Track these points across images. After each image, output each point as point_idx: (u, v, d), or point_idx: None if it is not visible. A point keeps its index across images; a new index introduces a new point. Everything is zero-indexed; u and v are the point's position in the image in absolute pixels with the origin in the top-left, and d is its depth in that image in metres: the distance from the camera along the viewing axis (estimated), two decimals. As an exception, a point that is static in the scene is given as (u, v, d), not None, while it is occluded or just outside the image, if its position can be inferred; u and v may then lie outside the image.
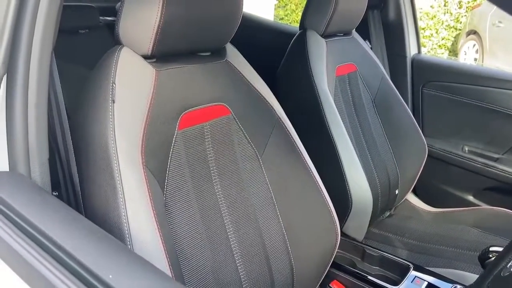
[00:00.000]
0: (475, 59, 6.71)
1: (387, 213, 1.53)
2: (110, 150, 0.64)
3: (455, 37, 7.50)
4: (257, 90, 0.93)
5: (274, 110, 0.94)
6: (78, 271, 0.39)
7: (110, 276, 0.37)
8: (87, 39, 1.73)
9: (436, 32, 7.53)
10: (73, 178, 0.61)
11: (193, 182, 0.82)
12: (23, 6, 0.48)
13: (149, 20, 0.71)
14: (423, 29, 7.26)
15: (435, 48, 7.51)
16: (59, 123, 0.62)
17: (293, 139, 0.94)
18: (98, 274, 0.38)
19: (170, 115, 0.78)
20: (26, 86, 0.53)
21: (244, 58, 0.96)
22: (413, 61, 1.67)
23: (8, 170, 0.52)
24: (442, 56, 7.22)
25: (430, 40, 7.55)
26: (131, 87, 0.71)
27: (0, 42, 0.48)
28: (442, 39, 7.64)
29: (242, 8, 0.85)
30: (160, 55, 0.78)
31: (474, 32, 6.78)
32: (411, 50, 1.70)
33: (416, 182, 1.54)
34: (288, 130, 0.94)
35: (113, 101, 0.67)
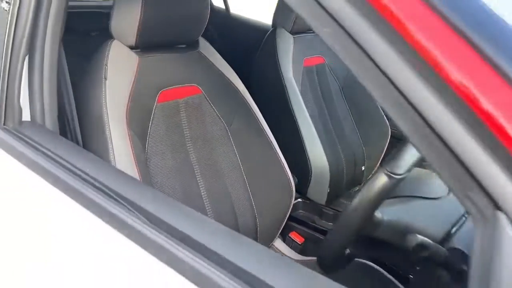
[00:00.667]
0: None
1: (357, 187, 1.75)
2: (103, 113, 0.89)
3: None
4: (225, 75, 1.17)
5: (240, 92, 1.18)
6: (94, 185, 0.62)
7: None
8: (98, 40, 2.00)
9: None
10: (76, 130, 0.86)
11: (170, 145, 1.06)
12: (39, 7, 0.73)
13: (133, 18, 0.95)
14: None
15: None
16: (66, 92, 0.87)
17: (256, 116, 1.17)
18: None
19: (150, 91, 1.03)
20: (41, 64, 0.77)
21: (214, 50, 1.20)
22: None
23: (30, 120, 0.77)
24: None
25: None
26: (119, 69, 0.95)
27: (24, 33, 0.73)
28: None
29: (208, 10, 1.09)
30: (143, 46, 1.02)
31: None
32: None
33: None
34: (251, 108, 1.17)
35: (105, 78, 0.92)
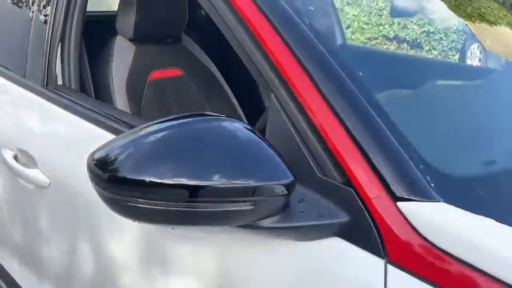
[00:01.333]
0: (479, 59, 6.96)
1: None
2: (109, 82, 1.32)
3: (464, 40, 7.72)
4: (204, 63, 1.59)
5: (215, 76, 1.59)
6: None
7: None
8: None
9: (446, 35, 7.80)
10: (91, 91, 1.28)
11: (160, 108, 1.48)
12: (67, 14, 1.17)
13: (130, 18, 1.37)
14: (432, 32, 7.61)
15: (445, 50, 7.82)
16: (85, 66, 1.30)
17: (228, 95, 1.58)
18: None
19: (143, 71, 1.45)
20: (69, 48, 1.20)
21: (196, 44, 1.62)
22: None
23: (61, 83, 1.20)
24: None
25: (440, 43, 7.83)
26: (121, 54, 1.38)
27: (57, 30, 1.16)
28: (452, 41, 7.89)
29: (186, 12, 1.50)
30: (138, 39, 1.44)
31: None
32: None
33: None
34: (225, 90, 1.58)
35: (112, 61, 1.35)
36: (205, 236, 0.75)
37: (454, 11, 1.47)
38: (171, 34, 1.54)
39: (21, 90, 1.23)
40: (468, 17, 1.43)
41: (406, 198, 0.59)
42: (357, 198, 0.61)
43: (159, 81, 1.49)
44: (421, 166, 0.62)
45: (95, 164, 0.61)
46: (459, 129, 0.84)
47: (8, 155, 1.15)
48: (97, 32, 1.45)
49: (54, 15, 1.19)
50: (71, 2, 1.18)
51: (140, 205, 0.59)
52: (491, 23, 1.38)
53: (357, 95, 0.67)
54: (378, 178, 0.61)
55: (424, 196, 0.59)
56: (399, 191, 0.59)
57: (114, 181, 0.59)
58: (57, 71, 1.18)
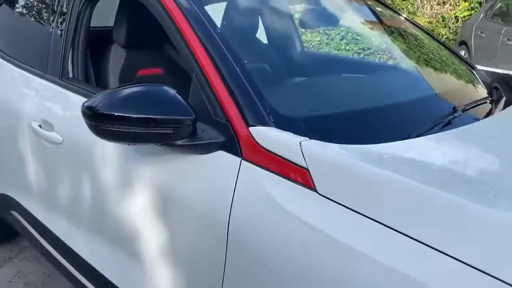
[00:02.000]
0: (465, 66, 7.34)
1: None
2: (108, 77, 1.84)
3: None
4: (179, 63, 2.10)
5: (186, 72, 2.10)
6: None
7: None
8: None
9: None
10: (94, 82, 1.81)
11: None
12: (77, 26, 1.70)
13: (123, 30, 1.90)
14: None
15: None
16: (89, 63, 1.83)
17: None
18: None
19: (132, 70, 1.96)
20: (78, 53, 1.73)
21: (174, 49, 2.14)
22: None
23: (72, 76, 1.72)
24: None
25: (431, 52, 8.26)
26: (115, 56, 1.91)
27: (69, 40, 1.69)
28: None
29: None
30: (129, 46, 1.96)
31: (464, 43, 7.45)
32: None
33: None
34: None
35: (109, 62, 1.88)
36: (146, 157, 1.25)
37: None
38: (154, 42, 2.07)
39: (44, 82, 1.77)
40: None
41: (254, 125, 1.08)
42: (230, 127, 1.11)
43: (144, 77, 2.01)
44: (266, 108, 1.11)
45: (85, 107, 1.12)
46: (295, 88, 1.36)
47: (35, 124, 1.68)
48: (99, 41, 1.98)
49: (67, 30, 1.73)
50: (79, 22, 1.71)
51: (111, 129, 1.09)
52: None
53: (238, 72, 1.17)
54: (241, 116, 1.10)
55: (263, 124, 1.08)
56: (251, 120, 1.09)
57: (95, 116, 1.10)
58: (69, 68, 1.70)
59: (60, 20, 1.78)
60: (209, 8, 1.38)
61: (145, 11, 1.43)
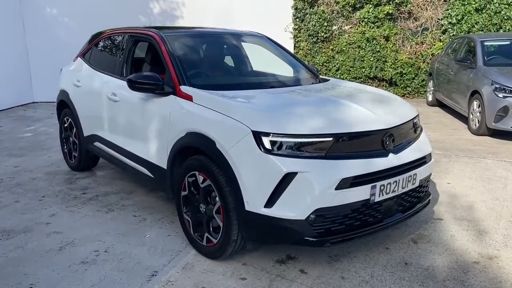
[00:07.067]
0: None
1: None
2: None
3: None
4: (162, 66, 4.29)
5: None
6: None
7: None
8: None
9: (415, 76, 9.95)
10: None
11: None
12: (129, 56, 3.95)
13: (147, 57, 4.14)
14: (405, 74, 9.77)
15: (418, 87, 9.96)
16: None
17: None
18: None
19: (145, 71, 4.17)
20: (130, 68, 3.97)
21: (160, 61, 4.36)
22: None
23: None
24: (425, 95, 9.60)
25: (412, 83, 9.97)
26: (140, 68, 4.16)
27: (125, 63, 3.93)
28: (422, 80, 10.00)
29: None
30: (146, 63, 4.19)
31: (430, 74, 9.22)
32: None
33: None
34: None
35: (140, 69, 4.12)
36: (147, 100, 3.46)
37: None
38: (153, 58, 4.26)
39: (118, 81, 4.01)
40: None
41: (181, 85, 3.26)
42: (174, 86, 3.30)
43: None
44: (187, 80, 3.29)
45: (127, 79, 3.37)
46: (201, 74, 3.55)
47: (109, 95, 3.98)
48: (137, 62, 4.22)
49: (124, 57, 4.00)
50: (130, 53, 4.02)
51: (134, 85, 3.34)
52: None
53: (180, 68, 3.37)
54: (178, 83, 3.28)
55: (190, 85, 3.26)
56: (181, 84, 3.28)
57: (130, 81, 3.35)
58: (124, 72, 3.97)
59: (121, 52, 4.06)
60: (176, 46, 3.59)
61: (153, 49, 3.68)
